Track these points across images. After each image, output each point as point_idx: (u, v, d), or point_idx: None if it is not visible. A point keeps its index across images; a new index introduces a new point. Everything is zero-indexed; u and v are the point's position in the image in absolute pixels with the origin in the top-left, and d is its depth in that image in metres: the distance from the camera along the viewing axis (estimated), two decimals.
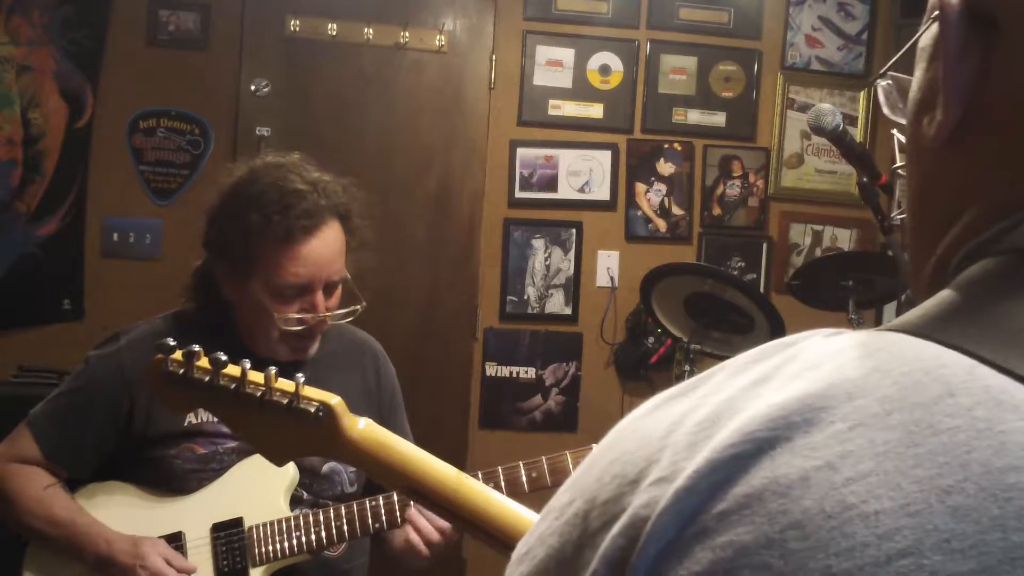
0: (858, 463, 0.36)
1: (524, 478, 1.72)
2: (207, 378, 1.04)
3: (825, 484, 0.35)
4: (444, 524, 1.72)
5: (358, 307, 1.80)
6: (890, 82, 0.61)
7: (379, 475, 1.02)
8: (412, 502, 1.75)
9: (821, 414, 0.37)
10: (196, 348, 1.06)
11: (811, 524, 0.35)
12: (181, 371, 1.05)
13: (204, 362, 1.05)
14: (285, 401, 1.02)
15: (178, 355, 1.06)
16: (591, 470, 0.42)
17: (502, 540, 0.95)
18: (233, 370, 1.04)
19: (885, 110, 0.62)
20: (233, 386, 1.03)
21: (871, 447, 0.36)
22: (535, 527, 0.43)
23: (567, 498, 0.42)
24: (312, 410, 1.01)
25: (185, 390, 1.06)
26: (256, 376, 1.03)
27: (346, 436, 1.01)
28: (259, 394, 1.02)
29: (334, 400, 1.02)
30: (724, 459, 0.37)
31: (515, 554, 0.43)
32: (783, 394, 0.38)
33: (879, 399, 0.37)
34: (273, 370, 1.04)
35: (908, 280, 0.52)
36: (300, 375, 1.03)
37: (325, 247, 1.75)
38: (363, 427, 1.02)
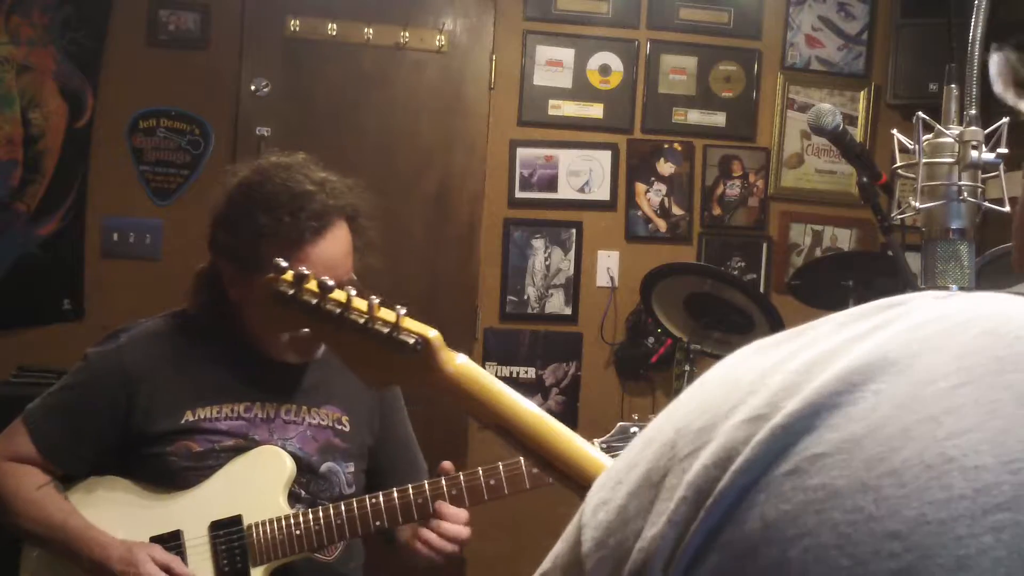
0: (962, 419, 0.36)
1: (525, 474, 1.72)
2: (315, 301, 1.08)
3: (927, 437, 0.36)
4: (459, 532, 1.75)
5: None
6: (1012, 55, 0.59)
7: (470, 409, 1.06)
8: (416, 518, 1.76)
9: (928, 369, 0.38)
10: (306, 271, 1.10)
11: (909, 473, 0.35)
12: (291, 291, 1.09)
13: (312, 284, 1.09)
14: (386, 331, 1.05)
15: (289, 275, 1.10)
16: (684, 403, 0.42)
17: (578, 481, 0.99)
18: (339, 295, 1.08)
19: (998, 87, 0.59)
20: (338, 311, 1.07)
21: (977, 405, 0.36)
22: (624, 454, 0.43)
23: (656, 428, 0.42)
24: (411, 342, 1.04)
25: (292, 310, 1.10)
26: (360, 303, 1.07)
27: (442, 370, 1.05)
28: (362, 321, 1.06)
29: (432, 333, 1.06)
30: (824, 403, 0.37)
31: (601, 478, 0.43)
32: (890, 345, 0.39)
33: (991, 359, 0.38)
34: (376, 299, 1.07)
35: (1016, 263, 0.52)
36: (401, 307, 1.06)
37: (334, 248, 1.75)
38: (460, 363, 1.06)
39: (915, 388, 0.37)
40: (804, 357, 0.40)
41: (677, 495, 0.38)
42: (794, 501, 0.36)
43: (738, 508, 0.37)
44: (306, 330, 1.14)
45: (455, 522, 1.75)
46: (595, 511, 0.42)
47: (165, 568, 1.69)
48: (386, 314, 1.06)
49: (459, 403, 1.07)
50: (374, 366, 1.09)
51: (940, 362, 0.38)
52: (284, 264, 1.11)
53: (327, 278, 1.09)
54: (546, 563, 0.44)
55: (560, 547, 0.43)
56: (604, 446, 1.78)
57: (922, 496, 0.34)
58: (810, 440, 0.37)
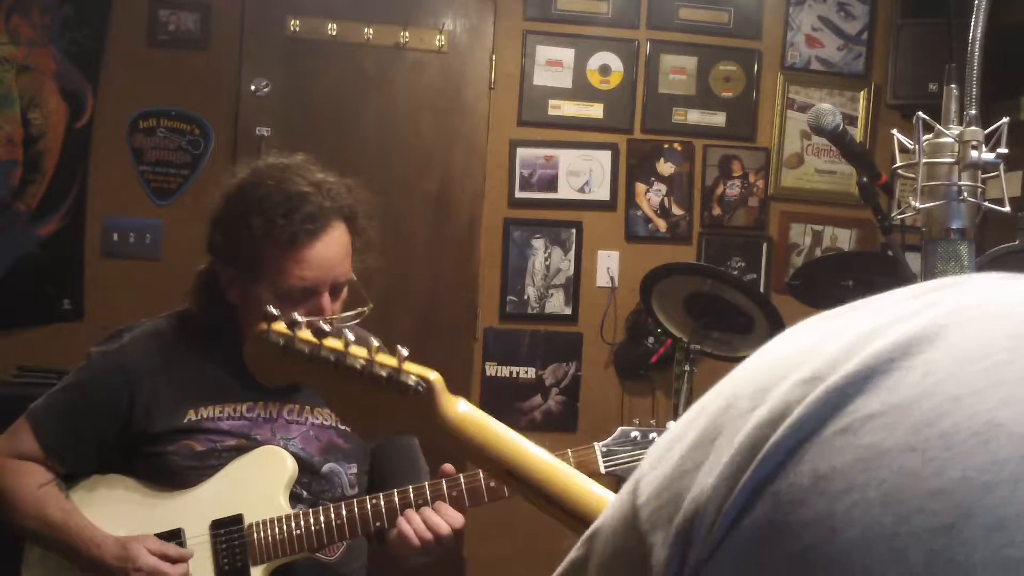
0: (1015, 389, 0.37)
1: None
2: (307, 349, 1.05)
3: (977, 404, 0.37)
4: (439, 524, 1.72)
5: (365, 309, 1.79)
6: None
7: (473, 456, 1.03)
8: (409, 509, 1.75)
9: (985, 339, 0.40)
10: (299, 319, 1.07)
11: (956, 437, 0.36)
12: (282, 342, 1.06)
13: (306, 333, 1.06)
14: (385, 373, 1.02)
15: (280, 326, 1.07)
16: (740, 371, 0.44)
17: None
18: (335, 342, 1.05)
19: None
20: (334, 358, 1.04)
21: None
22: (682, 418, 0.45)
23: (713, 394, 0.44)
24: (412, 383, 1.02)
25: (286, 360, 1.07)
26: (358, 350, 1.05)
27: (443, 413, 1.02)
28: (359, 366, 1.03)
29: (433, 376, 1.03)
30: (879, 367, 0.39)
31: (659, 440, 0.45)
32: (947, 318, 0.41)
33: None
34: (375, 343, 1.05)
35: None
36: (403, 349, 1.03)
37: (330, 250, 1.75)
38: (461, 407, 1.03)
39: (968, 360, 0.39)
40: (861, 326, 0.42)
41: (730, 449, 0.40)
42: (844, 458, 0.37)
43: (789, 462, 0.38)
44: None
45: (443, 516, 1.73)
46: (652, 466, 0.44)
47: (161, 556, 1.70)
48: (385, 358, 1.04)
49: (460, 449, 1.03)
50: (372, 414, 1.06)
51: (994, 338, 0.39)
52: (275, 312, 1.08)
53: (322, 323, 1.06)
54: (601, 518, 0.46)
55: (616, 503, 0.46)
56: (605, 449, 1.78)
57: (968, 459, 0.36)
58: (863, 401, 0.38)
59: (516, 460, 0.99)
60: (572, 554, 0.47)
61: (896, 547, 0.35)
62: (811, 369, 0.40)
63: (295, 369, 1.08)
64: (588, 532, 0.46)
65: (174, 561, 1.71)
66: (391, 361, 1.03)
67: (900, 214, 1.30)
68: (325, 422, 1.86)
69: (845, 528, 0.36)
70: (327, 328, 1.06)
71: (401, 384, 1.02)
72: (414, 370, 1.03)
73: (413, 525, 1.71)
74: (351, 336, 1.05)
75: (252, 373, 1.12)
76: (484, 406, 1.00)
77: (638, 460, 1.76)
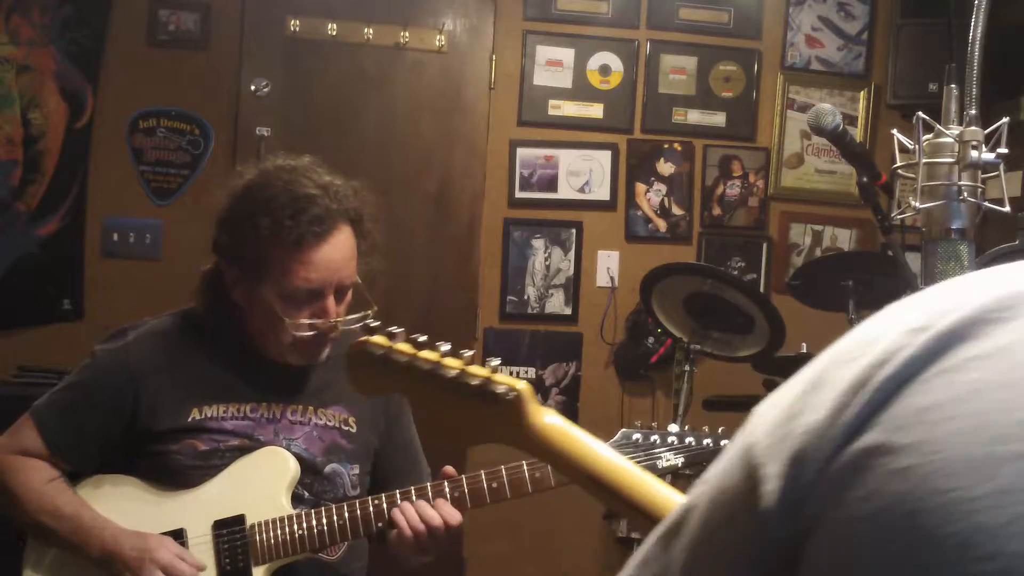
0: None
1: (527, 477, 1.71)
2: (405, 359, 1.09)
3: None
4: (432, 516, 1.72)
5: (370, 312, 1.79)
6: None
7: (558, 464, 1.05)
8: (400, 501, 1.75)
9: None
10: (398, 329, 1.11)
11: None
12: (380, 352, 1.10)
13: (404, 345, 1.11)
14: (477, 383, 1.07)
15: (380, 339, 1.11)
16: (844, 338, 0.49)
17: None
18: (431, 354, 1.10)
19: None
20: (429, 367, 1.08)
21: None
22: (788, 382, 0.50)
23: (816, 359, 0.49)
24: (502, 391, 1.05)
25: (383, 370, 1.11)
26: (452, 361, 1.09)
27: (531, 422, 1.05)
28: (452, 375, 1.08)
29: (521, 385, 1.06)
30: (979, 318, 0.45)
31: (770, 396, 0.51)
32: None
33: None
34: (469, 354, 1.09)
35: None
36: (495, 359, 1.07)
37: (336, 252, 1.75)
38: (547, 418, 1.06)
39: None
40: (966, 288, 0.47)
41: (839, 387, 0.45)
42: (945, 394, 0.43)
43: (896, 396, 0.44)
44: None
45: (438, 510, 1.72)
46: (767, 410, 0.49)
47: (178, 557, 1.71)
48: (477, 369, 1.08)
49: (545, 457, 1.06)
50: (459, 424, 1.10)
51: None
52: (376, 323, 1.13)
53: (418, 335, 1.10)
54: (711, 469, 0.51)
55: (728, 449, 0.51)
56: None
57: None
58: (964, 347, 0.44)
59: (601, 469, 1.02)
60: (686, 501, 0.52)
61: (986, 467, 0.40)
62: (919, 320, 0.46)
63: (391, 379, 1.11)
64: (699, 481, 0.52)
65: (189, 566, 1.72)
66: (483, 371, 1.07)
67: (900, 214, 1.30)
68: (328, 423, 1.86)
69: (941, 450, 0.41)
70: (423, 338, 1.09)
71: (491, 393, 1.05)
72: (504, 380, 1.07)
73: (406, 515, 1.71)
74: (447, 346, 1.09)
75: (351, 383, 1.16)
76: None
77: (640, 462, 1.76)
